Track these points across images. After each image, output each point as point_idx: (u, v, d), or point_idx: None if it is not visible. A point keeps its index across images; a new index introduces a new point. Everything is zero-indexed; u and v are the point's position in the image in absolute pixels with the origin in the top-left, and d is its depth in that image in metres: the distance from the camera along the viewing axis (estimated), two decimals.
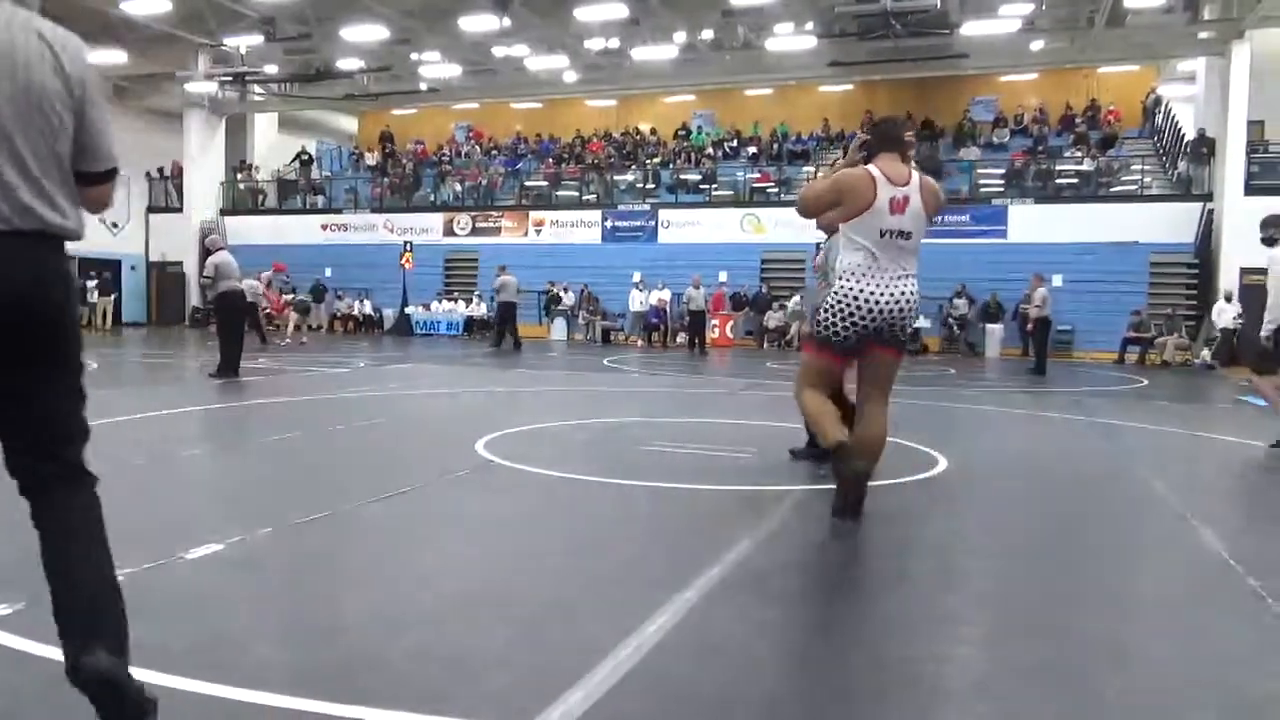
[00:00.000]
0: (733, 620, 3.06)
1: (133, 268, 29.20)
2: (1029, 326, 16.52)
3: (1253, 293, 19.53)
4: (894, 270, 4.38)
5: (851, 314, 4.38)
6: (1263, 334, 7.44)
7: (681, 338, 22.01)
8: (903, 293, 4.40)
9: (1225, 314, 18.52)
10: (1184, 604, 3.46)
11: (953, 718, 2.41)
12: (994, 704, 2.48)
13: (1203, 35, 21.02)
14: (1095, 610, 3.29)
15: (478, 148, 31.23)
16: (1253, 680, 2.66)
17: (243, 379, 10.99)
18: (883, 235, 4.36)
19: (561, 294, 24.39)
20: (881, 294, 4.36)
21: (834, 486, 4.42)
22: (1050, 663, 2.76)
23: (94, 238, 27.30)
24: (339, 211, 29.03)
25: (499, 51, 24.75)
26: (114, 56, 24.44)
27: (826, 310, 4.49)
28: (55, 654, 2.55)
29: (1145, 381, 14.90)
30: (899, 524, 4.75)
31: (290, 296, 23.21)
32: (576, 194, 27.40)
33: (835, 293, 4.46)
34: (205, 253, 12.04)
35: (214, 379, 10.90)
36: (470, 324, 24.91)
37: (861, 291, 4.37)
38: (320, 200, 29.82)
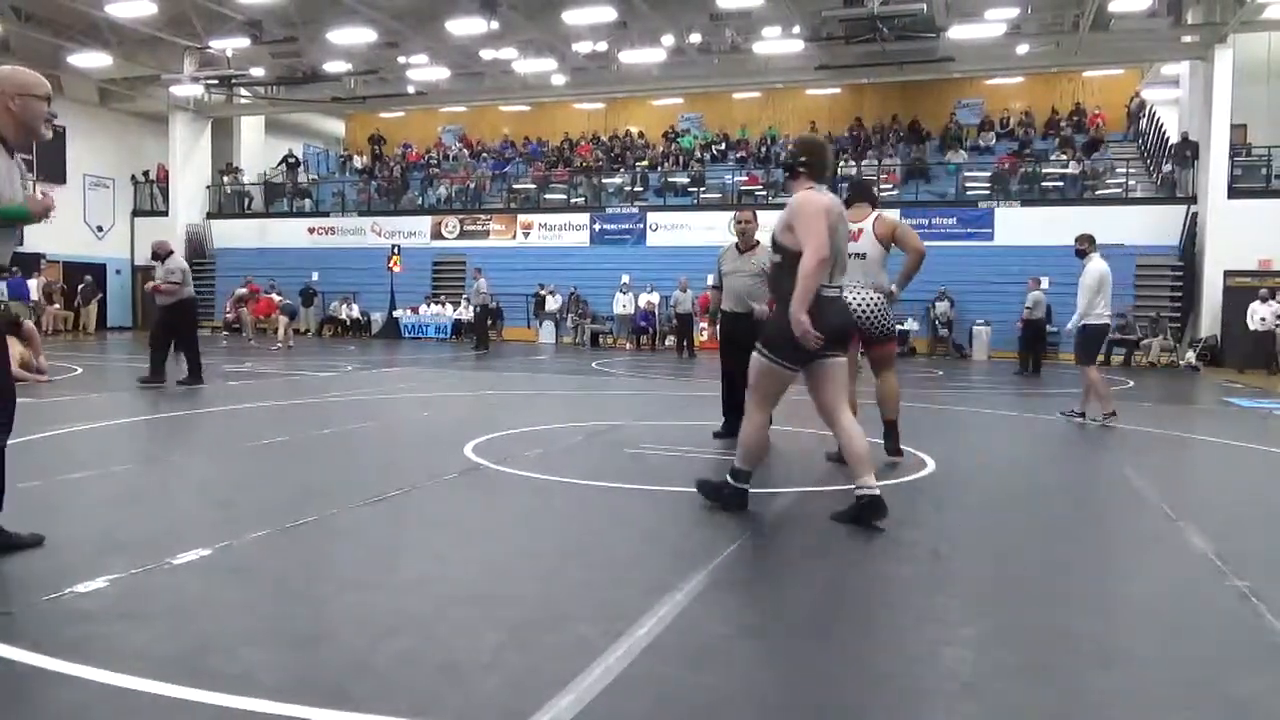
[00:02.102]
0: (723, 622, 3.06)
1: (118, 272, 29.06)
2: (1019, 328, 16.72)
3: (1236, 295, 19.74)
4: (852, 282, 5.81)
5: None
6: (1069, 327, 9.20)
7: (670, 340, 22.03)
8: (859, 297, 5.94)
9: (1257, 314, 18.35)
10: (1171, 603, 3.48)
11: (941, 718, 2.42)
12: (982, 704, 2.49)
13: (1186, 39, 21.20)
14: (1083, 610, 3.30)
15: (466, 151, 31.19)
16: (1239, 679, 2.68)
17: (228, 383, 10.93)
18: (850, 257, 5.72)
19: (548, 296, 24.38)
20: (850, 299, 5.75)
21: (823, 488, 5.07)
22: (1038, 663, 2.78)
23: (79, 242, 27.36)
24: (326, 215, 28.94)
25: (487, 54, 24.73)
26: (99, 59, 24.32)
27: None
28: (44, 662, 2.54)
29: (1131, 383, 14.99)
30: (889, 526, 4.76)
31: (278, 298, 22.95)
32: (565, 197, 27.39)
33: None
34: (155, 255, 11.06)
35: (180, 385, 10.55)
36: (458, 327, 24.87)
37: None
38: (307, 204, 29.71)
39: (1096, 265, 8.99)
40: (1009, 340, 19.34)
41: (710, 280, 7.81)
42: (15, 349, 10.76)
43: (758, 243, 7.19)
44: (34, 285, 23.70)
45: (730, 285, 7.13)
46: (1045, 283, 20.23)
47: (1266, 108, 21.14)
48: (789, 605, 3.32)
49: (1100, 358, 10.03)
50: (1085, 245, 9.18)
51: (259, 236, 28.67)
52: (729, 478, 4.58)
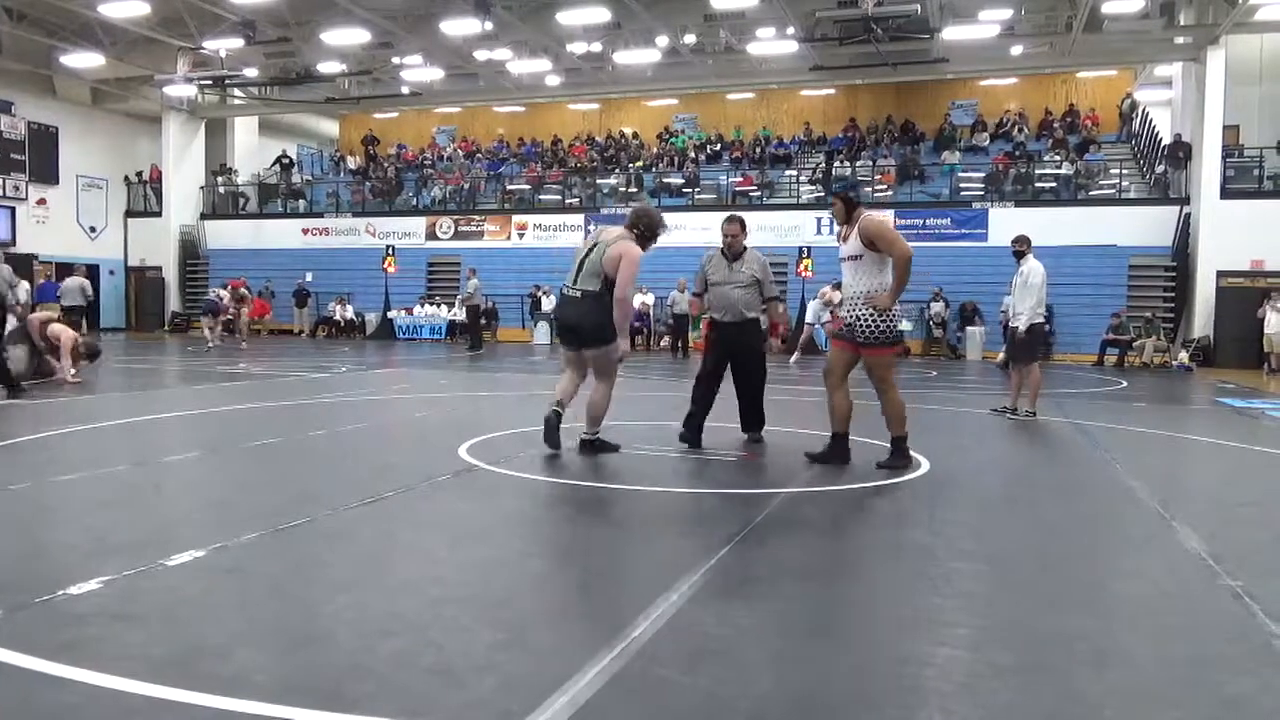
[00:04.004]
0: (718, 623, 3.06)
1: (111, 273, 28.94)
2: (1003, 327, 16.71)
3: (1229, 295, 19.81)
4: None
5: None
6: (1021, 328, 9.11)
7: (665, 341, 22.02)
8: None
9: (1275, 320, 18.10)
10: (1164, 603, 3.49)
11: (937, 718, 2.42)
12: (978, 705, 2.49)
13: (1179, 41, 21.27)
14: (1077, 611, 3.31)
15: (460, 152, 31.16)
16: (1232, 679, 2.69)
17: (222, 385, 10.88)
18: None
19: (543, 297, 24.38)
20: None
21: (821, 489, 5.06)
22: (1033, 664, 2.78)
23: (72, 243, 27.26)
24: (320, 215, 28.89)
25: (481, 55, 24.70)
26: (92, 60, 24.24)
27: (892, 318, 5.97)
28: (36, 664, 2.53)
29: (1124, 383, 15.02)
30: (883, 527, 4.78)
31: (221, 295, 21.57)
32: (559, 198, 27.37)
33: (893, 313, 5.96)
34: None
35: None
36: (453, 328, 24.84)
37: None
38: (301, 204, 29.65)
39: (1039, 266, 9.06)
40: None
41: (693, 288, 7.59)
42: (22, 351, 10.78)
43: (745, 249, 7.13)
44: (25, 288, 23.48)
45: (721, 295, 6.94)
46: None
47: (1258, 109, 21.23)
48: (784, 605, 3.32)
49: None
50: (1023, 246, 9.22)
51: (253, 237, 28.60)
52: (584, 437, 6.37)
